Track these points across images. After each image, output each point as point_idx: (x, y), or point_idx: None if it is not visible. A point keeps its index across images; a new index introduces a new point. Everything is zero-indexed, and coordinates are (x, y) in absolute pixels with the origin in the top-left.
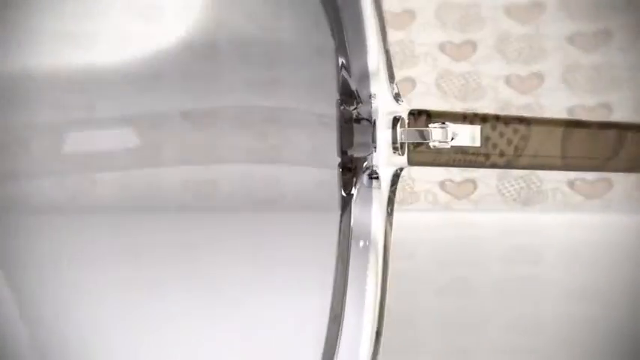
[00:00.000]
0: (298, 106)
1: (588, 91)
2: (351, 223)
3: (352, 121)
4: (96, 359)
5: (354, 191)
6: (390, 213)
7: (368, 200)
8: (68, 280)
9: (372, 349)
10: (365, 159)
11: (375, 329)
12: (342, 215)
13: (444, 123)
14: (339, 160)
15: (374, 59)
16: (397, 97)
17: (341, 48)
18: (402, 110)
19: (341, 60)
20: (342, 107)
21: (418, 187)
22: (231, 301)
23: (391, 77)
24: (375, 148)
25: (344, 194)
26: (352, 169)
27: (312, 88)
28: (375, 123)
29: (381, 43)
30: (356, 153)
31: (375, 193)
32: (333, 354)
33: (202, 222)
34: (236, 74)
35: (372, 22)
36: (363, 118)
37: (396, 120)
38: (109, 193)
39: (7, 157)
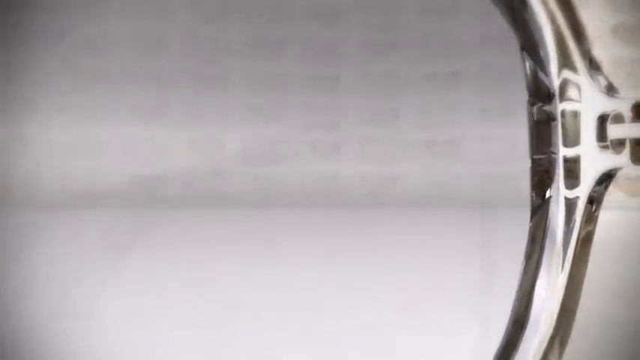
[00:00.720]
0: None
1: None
2: (544, 227)
3: (546, 121)
4: (97, 358)
5: (547, 194)
6: (591, 214)
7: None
8: (68, 280)
9: (540, 355)
10: None
11: (548, 337)
12: (532, 218)
13: None
14: (530, 161)
15: (553, 55)
16: (609, 89)
17: (525, 44)
18: (616, 104)
19: (527, 57)
20: (532, 107)
21: None
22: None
23: (595, 68)
24: (558, 148)
25: (535, 197)
26: (546, 172)
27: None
28: (568, 120)
29: (571, 36)
30: (550, 154)
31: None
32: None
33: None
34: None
35: (552, 14)
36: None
37: (604, 115)
38: (174, 191)
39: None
